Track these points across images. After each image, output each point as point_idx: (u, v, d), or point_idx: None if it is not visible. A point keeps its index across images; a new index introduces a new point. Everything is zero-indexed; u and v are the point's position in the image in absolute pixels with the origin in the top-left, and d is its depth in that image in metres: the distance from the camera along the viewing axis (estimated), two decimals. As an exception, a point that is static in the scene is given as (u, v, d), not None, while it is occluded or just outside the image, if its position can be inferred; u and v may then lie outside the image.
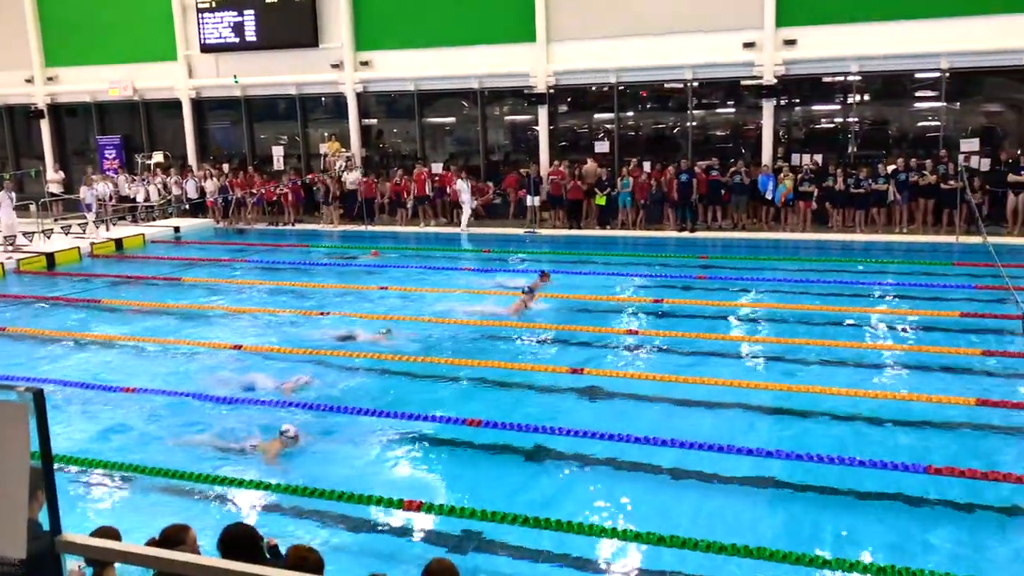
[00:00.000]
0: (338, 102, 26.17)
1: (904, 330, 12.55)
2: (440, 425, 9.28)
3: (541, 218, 22.75)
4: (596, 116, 24.29)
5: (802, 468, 7.95)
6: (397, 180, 23.84)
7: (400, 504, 7.34)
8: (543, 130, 23.81)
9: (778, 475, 7.92)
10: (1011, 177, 18.83)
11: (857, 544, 6.77)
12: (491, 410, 9.62)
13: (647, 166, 22.06)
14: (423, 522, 7.29)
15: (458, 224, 23.13)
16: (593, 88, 23.86)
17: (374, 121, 26.65)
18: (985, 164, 19.62)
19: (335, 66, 25.38)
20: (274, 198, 24.90)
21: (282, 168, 26.58)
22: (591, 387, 10.39)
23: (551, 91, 23.44)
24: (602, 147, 23.32)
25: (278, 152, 27.12)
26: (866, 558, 6.49)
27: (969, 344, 11.50)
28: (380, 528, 7.24)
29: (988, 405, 9.23)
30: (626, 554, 6.69)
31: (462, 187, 22.43)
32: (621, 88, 23.27)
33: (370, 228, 23.27)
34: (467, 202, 22.41)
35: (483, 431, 8.99)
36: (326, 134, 26.34)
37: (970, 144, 19.78)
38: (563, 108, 24.38)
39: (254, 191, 24.76)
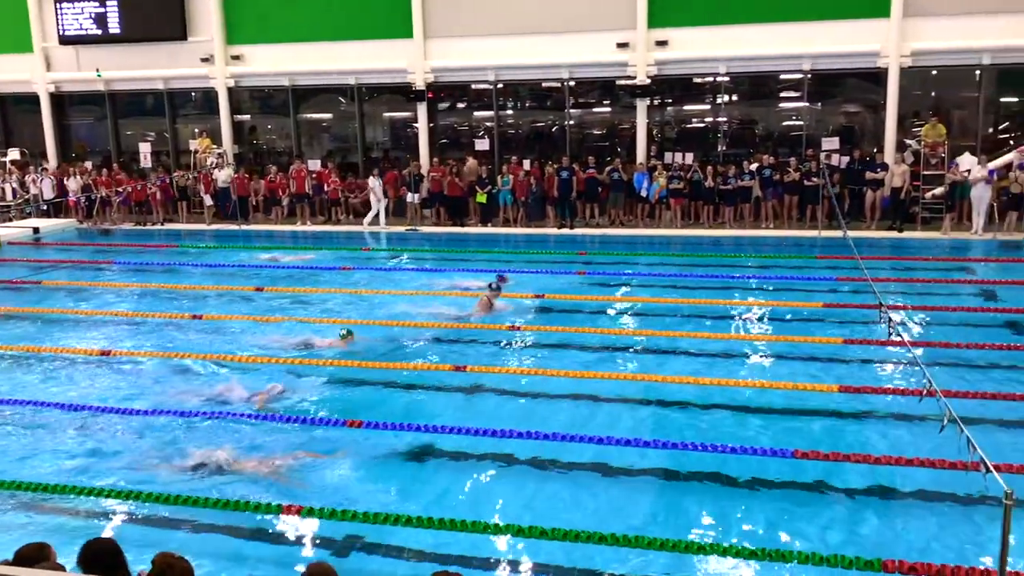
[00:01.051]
0: (209, 97, 25.34)
1: (772, 321, 13.07)
2: (320, 428, 9.10)
3: (422, 216, 22.63)
4: (476, 114, 24.34)
5: (676, 457, 8.18)
6: (272, 177, 23.28)
7: (279, 509, 7.17)
8: (422, 127, 23.69)
9: (653, 464, 8.11)
10: (868, 174, 19.89)
11: (728, 528, 7.00)
12: (372, 410, 9.51)
13: (527, 164, 22.26)
14: (303, 527, 7.13)
15: (336, 223, 22.84)
16: (472, 86, 23.92)
17: (247, 117, 25.92)
18: (845, 162, 20.64)
19: (205, 60, 24.56)
20: (143, 198, 23.85)
21: (150, 166, 25.54)
22: (474, 384, 10.40)
23: (430, 88, 23.35)
24: (482, 145, 23.38)
25: (145, 149, 26.03)
26: (738, 542, 6.72)
27: (832, 333, 12.07)
28: (259, 535, 7.04)
29: (849, 391, 9.73)
30: (509, 550, 6.72)
31: (374, 184, 22.08)
32: (500, 86, 23.41)
33: (244, 227, 22.63)
34: (380, 200, 22.06)
35: (364, 432, 8.87)
36: (196, 130, 25.46)
37: (831, 142, 20.80)
38: (443, 105, 24.33)
39: (120, 190, 23.68)
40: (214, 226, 23.10)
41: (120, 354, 11.73)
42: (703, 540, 6.72)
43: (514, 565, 6.56)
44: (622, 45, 21.70)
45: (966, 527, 6.93)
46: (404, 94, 23.57)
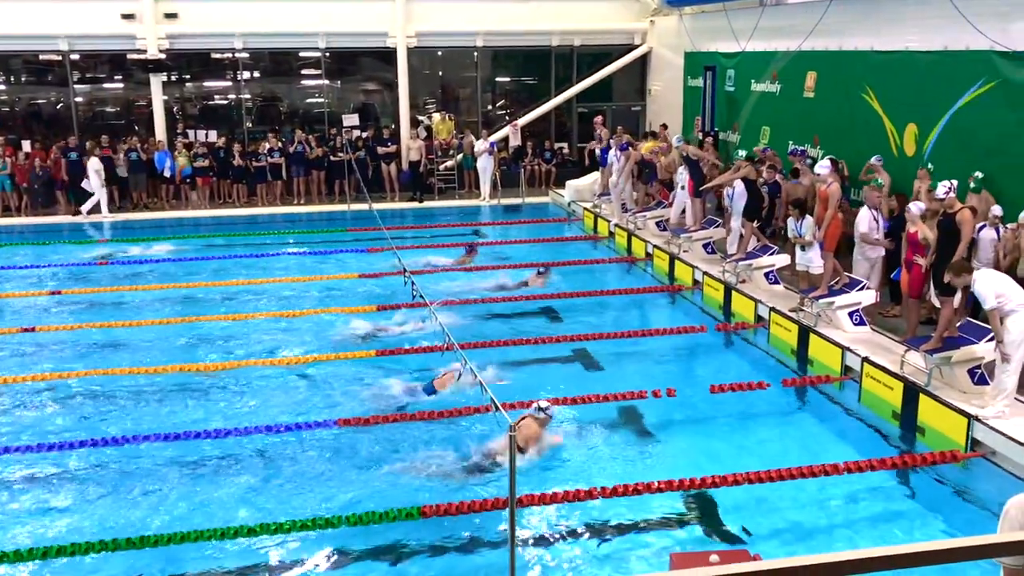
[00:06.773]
0: None
1: (313, 295, 13.31)
2: None
3: None
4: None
5: (212, 445, 8.11)
6: None
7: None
8: None
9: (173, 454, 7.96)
10: (380, 149, 21.00)
11: (273, 505, 7.13)
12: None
13: (27, 145, 19.84)
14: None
15: None
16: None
17: None
18: (364, 138, 21.52)
19: None
20: None
21: None
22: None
23: None
24: (-34, 125, 20.32)
25: None
26: (275, 516, 6.86)
27: (368, 301, 12.67)
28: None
29: (385, 354, 10.37)
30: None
31: (98, 167, 18.33)
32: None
33: None
34: (102, 187, 18.57)
35: None
36: None
37: (351, 119, 21.56)
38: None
39: None
40: None
41: None
42: (254, 521, 6.74)
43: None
44: (128, 16, 20.23)
45: (485, 463, 7.81)
46: None
